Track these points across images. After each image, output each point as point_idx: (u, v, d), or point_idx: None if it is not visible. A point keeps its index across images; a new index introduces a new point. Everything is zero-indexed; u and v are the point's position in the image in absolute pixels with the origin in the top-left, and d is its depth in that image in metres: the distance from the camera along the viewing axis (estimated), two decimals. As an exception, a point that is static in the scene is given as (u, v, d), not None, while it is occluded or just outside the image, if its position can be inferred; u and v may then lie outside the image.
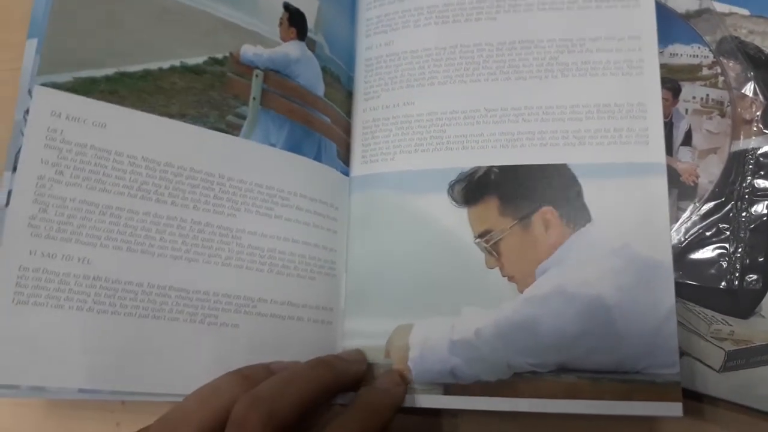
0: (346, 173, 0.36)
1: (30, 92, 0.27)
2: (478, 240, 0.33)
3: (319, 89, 0.36)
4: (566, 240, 0.32)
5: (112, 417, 0.34)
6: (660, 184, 0.33)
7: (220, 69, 0.32)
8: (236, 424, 0.24)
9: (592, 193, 0.33)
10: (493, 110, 0.35)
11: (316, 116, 0.35)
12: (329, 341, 0.33)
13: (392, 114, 0.36)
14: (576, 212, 0.33)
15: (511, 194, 0.33)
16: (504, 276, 0.33)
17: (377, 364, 0.33)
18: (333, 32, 0.37)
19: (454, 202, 0.34)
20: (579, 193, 0.33)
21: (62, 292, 0.27)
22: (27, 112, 0.27)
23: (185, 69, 0.31)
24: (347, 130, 0.37)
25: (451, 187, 0.34)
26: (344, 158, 0.36)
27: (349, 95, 0.38)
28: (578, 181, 0.33)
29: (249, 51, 0.33)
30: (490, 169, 0.34)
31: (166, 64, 0.30)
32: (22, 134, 0.27)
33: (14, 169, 0.27)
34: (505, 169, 0.34)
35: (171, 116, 0.30)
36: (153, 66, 0.30)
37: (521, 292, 0.32)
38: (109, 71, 0.29)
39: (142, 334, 0.28)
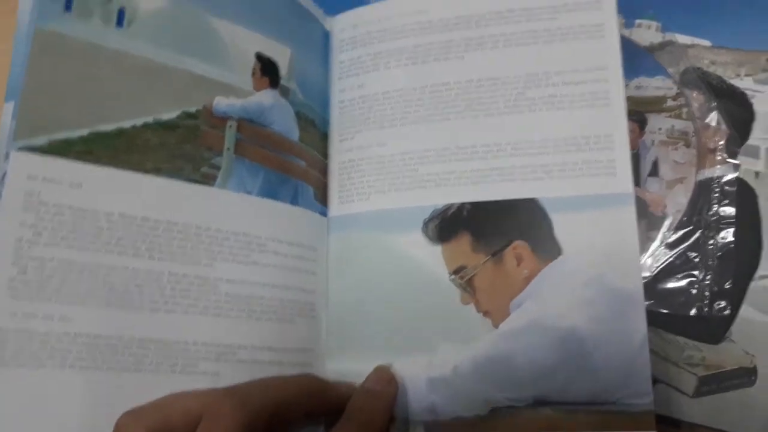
0: (325, 214, 0.37)
1: (7, 156, 0.27)
2: (452, 276, 0.34)
3: (294, 134, 0.36)
4: (538, 273, 0.33)
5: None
6: (629, 214, 0.33)
7: (193, 122, 0.33)
8: (210, 414, 0.25)
9: (562, 225, 0.33)
10: (463, 148, 0.35)
11: (292, 161, 0.36)
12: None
13: (366, 155, 0.37)
14: (547, 245, 0.33)
15: (482, 230, 0.34)
16: (479, 312, 0.33)
17: None
18: (306, 77, 0.38)
19: (428, 240, 0.34)
20: (549, 227, 0.33)
21: (44, 351, 0.27)
22: (3, 176, 0.27)
23: (158, 125, 0.31)
24: (324, 172, 0.38)
25: (426, 224, 0.35)
26: (322, 199, 0.37)
27: (325, 137, 0.38)
28: (548, 215, 0.33)
29: (222, 102, 0.34)
30: (462, 205, 0.34)
31: (139, 122, 0.31)
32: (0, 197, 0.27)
33: None
34: (476, 206, 0.34)
35: (146, 172, 0.31)
36: (126, 124, 0.31)
37: (496, 327, 0.33)
38: (84, 131, 0.29)
39: (124, 387, 0.28)
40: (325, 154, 0.38)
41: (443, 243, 0.34)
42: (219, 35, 0.34)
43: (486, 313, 0.33)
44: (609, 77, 0.35)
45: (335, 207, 0.37)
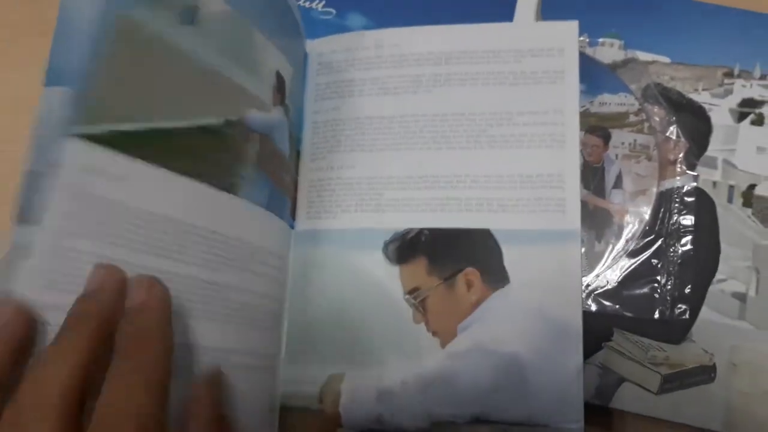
0: (292, 226, 0.39)
1: (56, 143, 0.25)
2: (407, 296, 0.36)
3: (287, 151, 0.38)
4: (486, 300, 0.35)
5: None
6: (574, 250, 0.35)
7: (231, 131, 0.33)
8: None
9: (511, 256, 0.36)
10: (425, 177, 0.37)
11: (284, 177, 0.38)
12: (270, 387, 0.35)
13: (336, 175, 0.39)
14: (496, 274, 0.36)
15: (438, 255, 0.36)
16: (429, 331, 0.35)
17: (310, 409, 0.35)
18: (295, 96, 0.39)
19: (387, 260, 0.37)
20: (500, 257, 0.36)
21: None
22: (48, 162, 0.25)
23: (204, 130, 0.31)
24: (296, 186, 0.39)
25: (386, 245, 0.37)
26: (291, 213, 0.39)
27: (298, 153, 0.40)
28: (499, 246, 0.36)
29: (255, 116, 0.35)
30: (421, 231, 0.37)
31: (189, 124, 0.30)
32: (42, 184, 0.25)
33: (26, 220, 0.24)
34: (434, 232, 0.37)
35: (187, 174, 0.30)
36: (179, 124, 0.30)
37: (443, 347, 0.35)
38: (138, 127, 0.28)
39: None
40: (297, 170, 0.40)
41: (401, 264, 0.37)
42: (257, 48, 0.35)
43: (435, 333, 0.35)
44: (566, 121, 0.37)
45: (302, 221, 0.39)
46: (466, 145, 0.38)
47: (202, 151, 0.31)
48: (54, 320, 0.24)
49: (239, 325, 0.33)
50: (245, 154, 0.34)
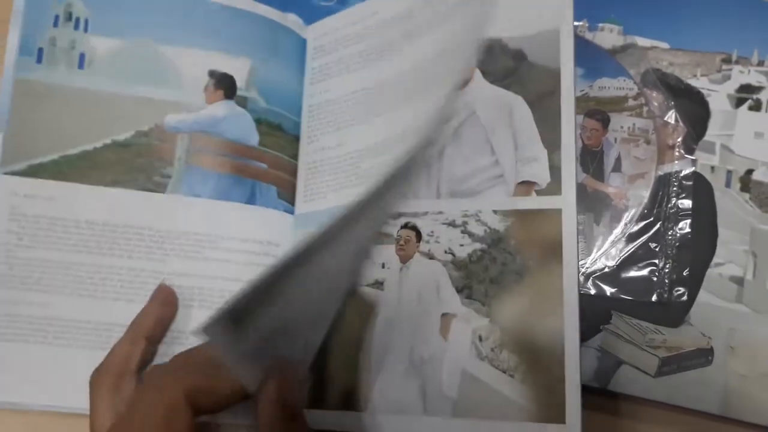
0: (292, 212, 0.39)
1: None
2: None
3: (253, 140, 0.39)
4: None
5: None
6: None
7: (146, 140, 0.38)
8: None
9: None
10: (404, 133, 0.36)
11: (249, 164, 0.39)
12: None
13: (327, 155, 0.39)
14: None
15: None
16: None
17: None
18: (273, 85, 0.41)
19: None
20: None
21: (27, 330, 0.34)
22: None
23: (115, 145, 0.37)
24: (291, 172, 0.40)
25: None
26: (289, 198, 0.40)
27: (296, 139, 0.41)
28: None
29: (172, 119, 0.38)
30: None
31: (99, 144, 0.37)
32: None
33: None
34: None
35: (106, 185, 0.36)
36: (89, 147, 0.37)
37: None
38: (55, 156, 0.36)
39: (92, 362, 0.32)
40: (295, 156, 0.40)
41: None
42: (169, 60, 0.39)
43: None
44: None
45: (300, 205, 0.39)
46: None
47: (117, 163, 0.37)
48: (6, 311, 0.34)
49: (200, 309, 0.36)
50: (168, 155, 0.38)
